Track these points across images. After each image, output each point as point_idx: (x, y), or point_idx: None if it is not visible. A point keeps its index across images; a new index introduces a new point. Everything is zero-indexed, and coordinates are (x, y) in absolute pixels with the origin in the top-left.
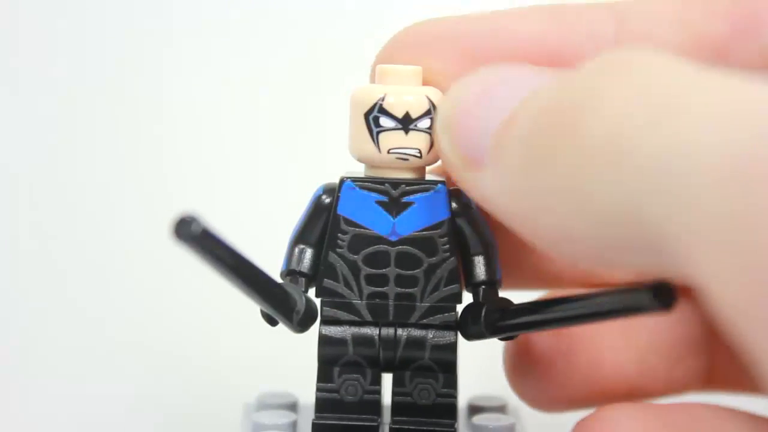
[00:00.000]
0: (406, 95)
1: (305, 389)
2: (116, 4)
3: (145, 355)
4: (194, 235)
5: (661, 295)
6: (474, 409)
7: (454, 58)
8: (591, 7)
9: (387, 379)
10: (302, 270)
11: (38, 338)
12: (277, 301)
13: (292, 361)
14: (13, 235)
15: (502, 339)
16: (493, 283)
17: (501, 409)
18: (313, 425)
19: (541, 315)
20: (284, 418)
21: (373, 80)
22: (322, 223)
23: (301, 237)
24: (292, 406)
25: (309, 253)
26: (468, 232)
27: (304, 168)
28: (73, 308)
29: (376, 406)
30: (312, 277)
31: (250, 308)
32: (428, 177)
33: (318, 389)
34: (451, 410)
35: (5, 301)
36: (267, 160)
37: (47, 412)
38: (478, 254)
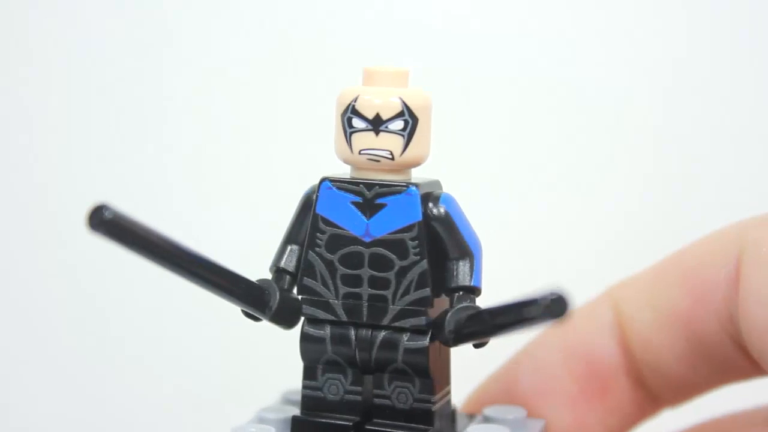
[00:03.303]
0: (377, 97)
1: None
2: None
3: (184, 348)
4: (105, 221)
5: (553, 306)
6: (487, 419)
7: None
8: (597, 302)
9: None
10: (287, 268)
11: (60, 337)
12: (239, 295)
13: None
14: (16, 235)
15: (475, 347)
16: (469, 289)
17: (507, 420)
18: (293, 419)
19: (477, 327)
20: (286, 413)
21: None
22: (307, 222)
23: (289, 235)
24: None
25: (296, 251)
26: (445, 236)
27: (298, 168)
28: (85, 308)
29: (357, 406)
30: (294, 275)
31: None
32: (414, 180)
33: (303, 386)
34: (427, 416)
35: (13, 303)
36: (261, 160)
37: (58, 412)
38: (455, 259)
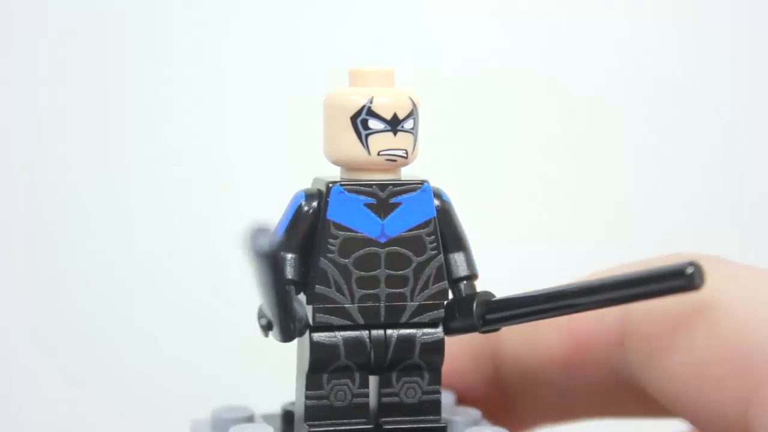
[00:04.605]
0: (392, 97)
1: (255, 400)
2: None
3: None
4: (266, 249)
5: (695, 276)
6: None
7: None
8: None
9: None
10: (289, 277)
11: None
12: (289, 312)
13: (242, 374)
14: (9, 236)
15: (485, 331)
16: (471, 278)
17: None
18: None
19: (534, 306)
20: (262, 430)
21: None
22: (305, 229)
23: (284, 244)
24: (250, 419)
25: (294, 260)
26: (447, 230)
27: (278, 172)
28: (74, 310)
29: (364, 409)
30: (299, 284)
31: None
32: (409, 177)
33: (307, 397)
34: (435, 406)
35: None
36: (251, 162)
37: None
38: (457, 251)
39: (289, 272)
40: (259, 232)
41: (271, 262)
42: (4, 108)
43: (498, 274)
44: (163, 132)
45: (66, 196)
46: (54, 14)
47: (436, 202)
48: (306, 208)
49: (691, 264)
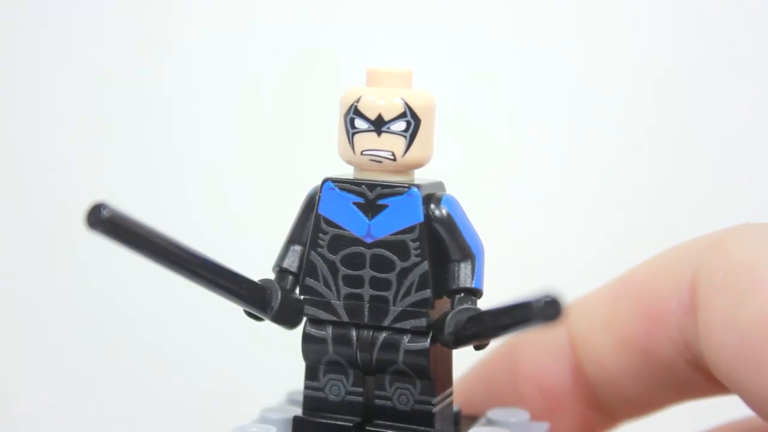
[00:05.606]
0: (379, 98)
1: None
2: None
3: (191, 345)
4: (103, 219)
5: (547, 308)
6: (490, 422)
7: None
8: (553, 333)
9: None
10: (289, 268)
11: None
12: (241, 295)
13: (247, 374)
14: (21, 233)
15: (476, 349)
16: (470, 290)
17: (510, 424)
18: (294, 419)
19: (477, 328)
20: (289, 414)
21: None
22: (310, 223)
23: (292, 235)
24: None
25: (298, 251)
26: (447, 238)
27: (302, 168)
28: (90, 308)
29: (358, 407)
30: (295, 274)
31: None
32: (417, 181)
33: (305, 387)
34: (427, 418)
35: (13, 303)
36: (266, 160)
37: (64, 411)
38: (456, 261)
39: (290, 263)
40: (93, 208)
41: (112, 233)
42: (5, 108)
43: (499, 276)
44: (165, 132)
45: (66, 196)
46: (54, 14)
47: (435, 209)
48: (312, 202)
49: (547, 296)
